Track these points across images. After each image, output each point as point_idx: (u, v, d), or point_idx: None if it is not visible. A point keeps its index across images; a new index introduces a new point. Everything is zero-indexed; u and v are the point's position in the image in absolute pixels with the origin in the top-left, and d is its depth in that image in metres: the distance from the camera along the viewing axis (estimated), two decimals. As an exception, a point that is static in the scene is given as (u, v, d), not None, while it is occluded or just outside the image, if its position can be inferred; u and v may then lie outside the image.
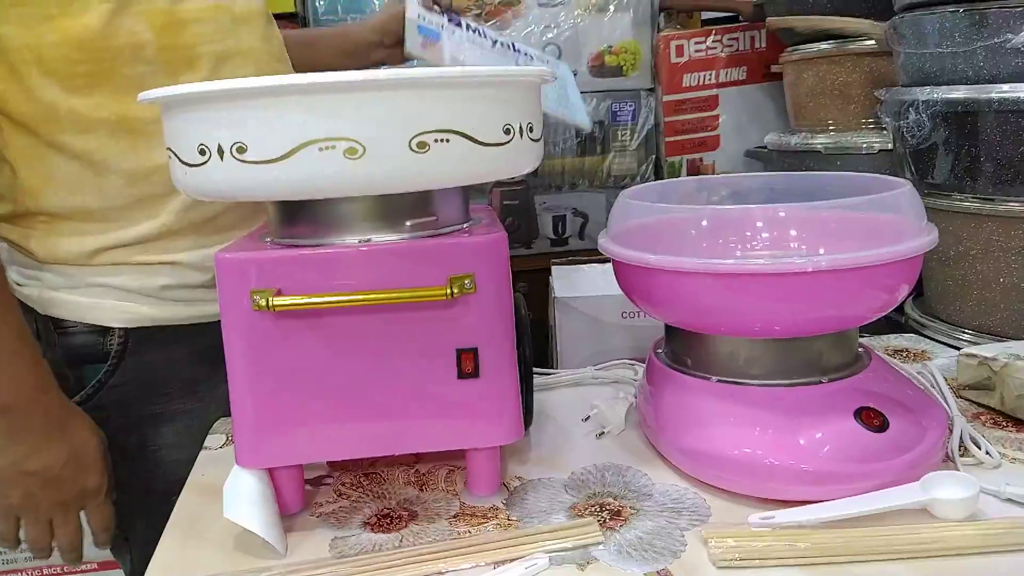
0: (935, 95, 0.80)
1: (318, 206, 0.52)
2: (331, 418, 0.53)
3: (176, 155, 0.50)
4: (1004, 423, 0.64)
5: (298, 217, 0.53)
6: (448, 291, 0.50)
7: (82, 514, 0.70)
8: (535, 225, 1.52)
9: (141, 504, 0.73)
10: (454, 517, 0.55)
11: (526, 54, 1.01)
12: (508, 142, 0.50)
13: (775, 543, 0.49)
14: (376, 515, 0.56)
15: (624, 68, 1.41)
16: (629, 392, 0.73)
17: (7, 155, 0.68)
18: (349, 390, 0.52)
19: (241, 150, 0.45)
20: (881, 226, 0.56)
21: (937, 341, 0.86)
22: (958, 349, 0.75)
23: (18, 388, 0.63)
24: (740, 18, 1.38)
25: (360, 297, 0.50)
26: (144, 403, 0.73)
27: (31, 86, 0.65)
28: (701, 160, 1.45)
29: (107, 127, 0.67)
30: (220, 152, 0.46)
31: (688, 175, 1.47)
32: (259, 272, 0.50)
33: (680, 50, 1.39)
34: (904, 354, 0.82)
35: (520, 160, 0.52)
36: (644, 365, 0.68)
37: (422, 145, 0.46)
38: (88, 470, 0.68)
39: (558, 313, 0.97)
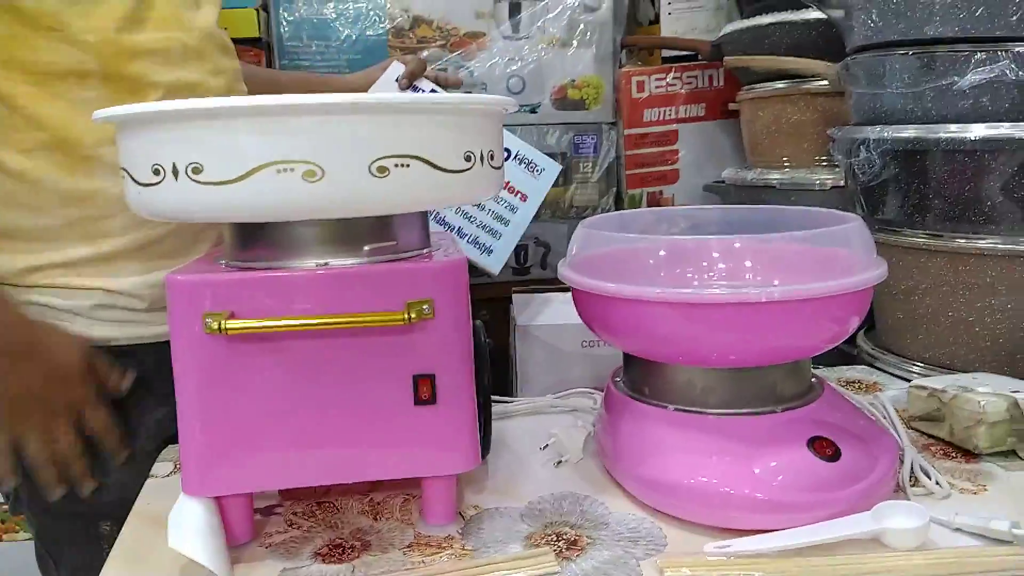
0: (885, 134, 0.83)
1: (275, 228, 0.51)
2: (283, 445, 0.51)
3: (130, 174, 0.49)
4: (953, 454, 0.66)
5: (254, 239, 0.52)
6: (405, 316, 0.49)
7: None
8: (497, 254, 1.52)
9: (69, 529, 0.74)
10: (408, 547, 0.54)
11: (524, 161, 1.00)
12: (469, 169, 0.51)
13: (731, 572, 0.49)
14: (328, 545, 0.55)
15: (587, 102, 1.43)
16: (588, 421, 0.73)
17: None
18: (302, 416, 0.51)
19: (196, 171, 0.45)
20: (832, 259, 0.58)
21: (888, 373, 0.87)
22: (908, 381, 0.77)
23: None
24: (699, 57, 1.41)
25: (316, 321, 0.49)
26: None
27: None
28: (661, 193, 1.47)
29: (47, 148, 0.67)
30: (175, 172, 0.45)
31: (648, 207, 1.49)
32: (212, 294, 0.49)
33: (641, 86, 1.41)
34: (856, 385, 0.83)
35: (480, 187, 0.53)
36: (603, 394, 0.68)
37: (382, 170, 0.46)
38: (70, 382, 0.68)
39: (519, 341, 0.97)
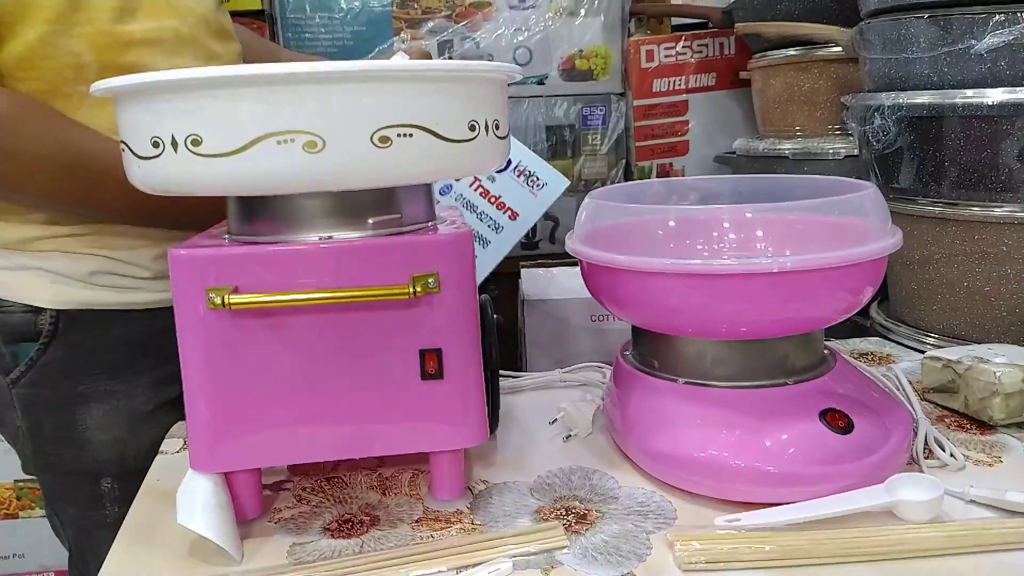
0: (900, 100, 0.81)
1: (278, 202, 0.50)
2: (290, 421, 0.51)
3: (129, 148, 0.48)
4: (968, 426, 0.65)
5: (257, 213, 0.51)
6: (411, 290, 0.48)
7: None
8: (505, 229, 1.51)
9: (69, 486, 0.77)
10: (417, 522, 0.54)
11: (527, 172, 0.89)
12: (473, 139, 0.49)
13: (741, 546, 0.48)
14: (336, 520, 0.55)
15: (595, 72, 1.41)
16: (597, 395, 0.73)
17: None
18: (309, 392, 0.51)
19: (196, 142, 0.44)
20: (846, 228, 0.56)
21: (902, 345, 0.86)
22: (922, 352, 0.76)
23: None
24: (709, 24, 1.39)
25: (320, 296, 0.48)
26: (72, 382, 0.74)
27: None
28: (671, 165, 1.45)
29: None
30: (174, 144, 0.45)
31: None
32: (215, 269, 0.48)
33: (650, 55, 1.39)
34: (869, 357, 0.82)
35: (485, 158, 0.52)
36: (611, 368, 0.68)
37: (384, 140, 0.45)
38: None
39: (527, 316, 0.97)
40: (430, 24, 1.31)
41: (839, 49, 1.05)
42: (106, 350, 0.74)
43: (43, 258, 0.73)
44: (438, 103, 0.47)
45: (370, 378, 0.51)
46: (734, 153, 1.32)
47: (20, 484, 1.53)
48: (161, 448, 0.68)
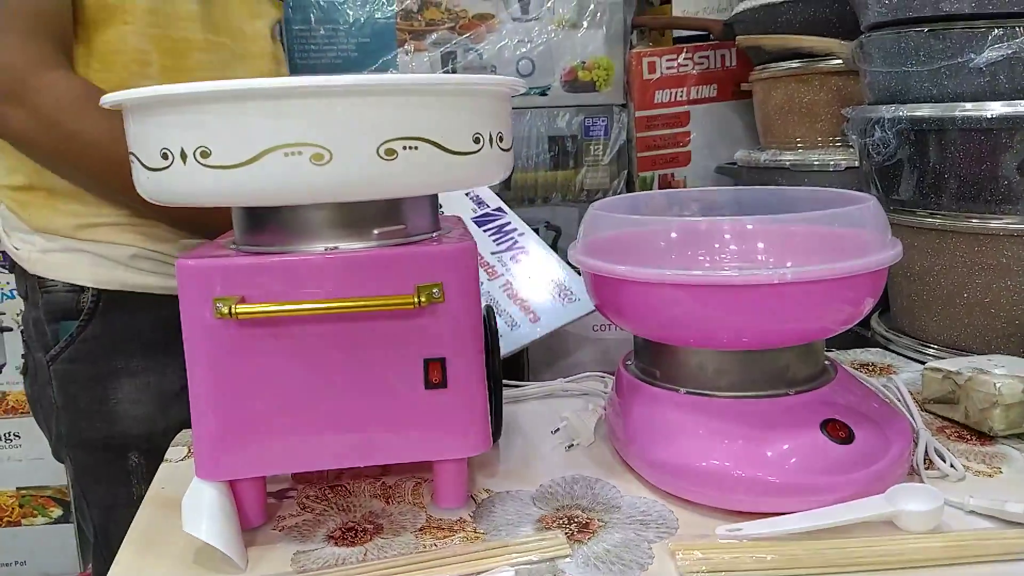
0: (900, 113, 0.81)
1: (284, 212, 0.51)
2: (294, 429, 0.52)
3: (138, 159, 0.49)
4: (968, 436, 0.65)
5: (263, 223, 0.52)
6: (416, 300, 0.49)
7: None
8: (508, 238, 1.52)
9: (98, 462, 0.82)
10: (420, 530, 0.54)
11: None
12: (478, 151, 0.50)
13: (742, 555, 0.49)
14: (340, 528, 0.55)
15: (597, 83, 1.41)
16: (599, 404, 0.73)
17: None
18: (313, 401, 0.51)
19: (205, 154, 0.45)
20: (846, 240, 0.57)
21: (903, 356, 0.87)
22: (923, 363, 0.76)
23: None
24: (711, 37, 1.39)
25: (325, 305, 0.49)
26: (107, 358, 0.80)
27: None
28: (672, 176, 1.46)
29: None
30: (183, 156, 0.45)
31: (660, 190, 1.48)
32: (222, 279, 0.49)
33: (652, 67, 1.40)
34: (870, 368, 0.82)
35: (489, 170, 0.52)
36: (614, 377, 0.68)
37: (390, 152, 0.46)
38: None
39: (529, 326, 0.97)
40: (434, 36, 1.32)
41: (839, 62, 1.06)
42: (142, 329, 0.81)
43: (88, 243, 0.79)
44: (443, 116, 0.48)
45: (374, 387, 0.52)
46: (735, 164, 1.32)
47: (23, 492, 1.54)
48: (166, 456, 0.68)
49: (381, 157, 0.46)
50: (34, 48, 0.70)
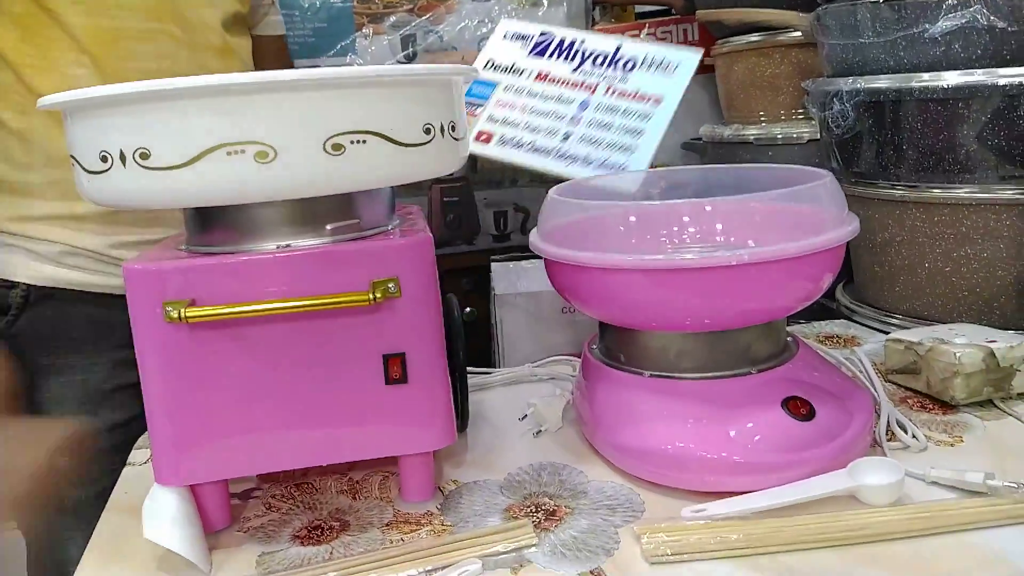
0: (858, 85, 0.81)
1: (233, 211, 0.50)
2: (254, 431, 0.51)
3: (78, 162, 0.48)
4: (930, 406, 0.66)
5: (213, 223, 0.51)
6: (371, 296, 0.48)
7: None
8: (477, 221, 1.50)
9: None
10: (387, 525, 0.54)
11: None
12: (429, 141, 0.49)
13: (707, 536, 0.49)
14: (306, 527, 0.55)
15: (560, 62, 1.40)
16: (567, 388, 0.73)
17: None
18: (272, 402, 0.51)
19: (144, 156, 0.43)
20: (804, 217, 0.57)
21: (867, 327, 0.87)
22: (887, 334, 0.77)
23: None
24: (672, 11, 1.39)
25: (279, 305, 0.48)
26: (37, 354, 0.79)
27: None
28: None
29: (40, 112, 0.70)
30: (122, 158, 0.44)
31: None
32: (171, 282, 0.48)
33: (615, 43, 1.39)
34: (835, 340, 0.83)
35: (442, 160, 0.51)
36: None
37: (337, 147, 0.45)
38: None
39: (499, 310, 0.96)
40: (392, 19, 1.30)
41: (799, 34, 1.06)
42: (70, 326, 0.79)
43: (19, 238, 0.78)
44: (391, 108, 0.47)
45: (334, 385, 0.51)
46: (700, 139, 1.32)
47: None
48: (129, 460, 0.67)
49: (328, 152, 0.45)
50: None
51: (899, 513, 0.50)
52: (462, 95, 0.54)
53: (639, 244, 0.58)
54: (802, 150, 1.09)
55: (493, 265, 1.05)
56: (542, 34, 0.90)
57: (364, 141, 0.46)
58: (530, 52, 0.90)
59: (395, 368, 0.51)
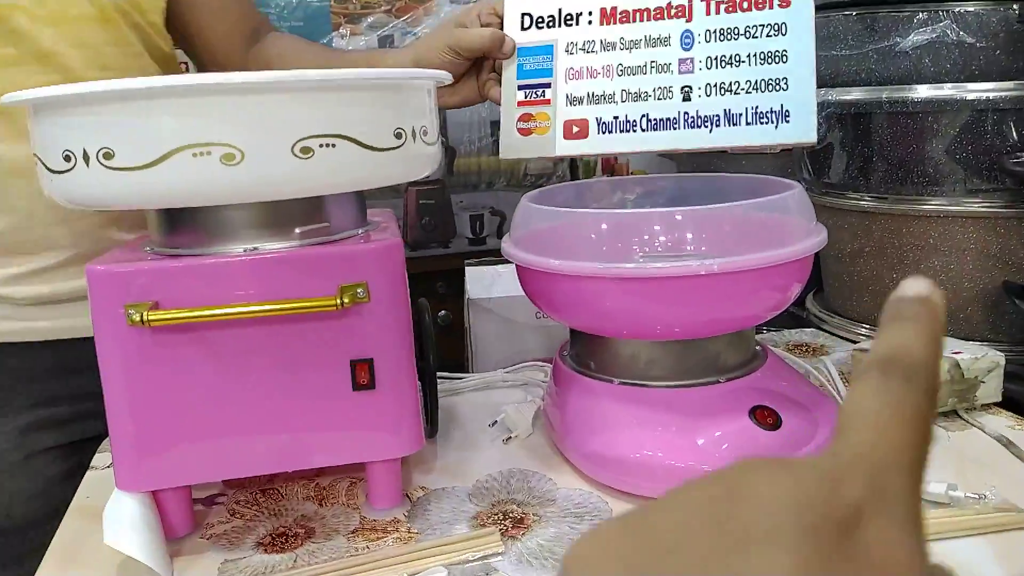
0: (829, 97, 0.82)
1: (200, 213, 0.49)
2: (218, 437, 0.50)
3: (42, 161, 0.47)
4: (895, 415, 0.67)
5: (179, 224, 0.50)
6: (338, 301, 0.48)
7: None
8: (452, 224, 1.50)
9: None
10: (353, 532, 0.53)
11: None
12: (400, 146, 0.49)
13: (673, 546, 0.49)
14: (270, 534, 0.54)
15: (538, 66, 1.40)
16: (538, 395, 0.73)
17: None
18: (237, 407, 0.50)
19: (108, 156, 0.43)
20: (773, 227, 0.57)
21: (836, 335, 0.88)
22: (855, 343, 0.78)
23: None
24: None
25: (243, 309, 0.47)
26: None
27: None
28: (616, 159, 1.46)
29: None
30: (86, 158, 0.43)
31: (603, 173, 1.48)
32: (133, 284, 0.47)
33: (593, 49, 1.39)
34: (804, 348, 0.84)
35: (413, 165, 0.51)
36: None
37: (306, 151, 0.45)
38: None
39: (472, 314, 0.96)
40: (370, 19, 1.29)
41: (774, 44, 1.07)
42: None
43: None
44: (361, 112, 0.46)
45: (300, 390, 0.51)
46: (676, 147, 1.33)
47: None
48: (91, 464, 0.66)
49: (296, 156, 0.44)
50: None
51: (862, 523, 0.50)
52: (434, 100, 0.54)
53: (610, 252, 0.58)
54: (775, 159, 1.10)
55: (467, 269, 1.05)
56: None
57: (333, 145, 0.45)
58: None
59: (362, 374, 0.51)
